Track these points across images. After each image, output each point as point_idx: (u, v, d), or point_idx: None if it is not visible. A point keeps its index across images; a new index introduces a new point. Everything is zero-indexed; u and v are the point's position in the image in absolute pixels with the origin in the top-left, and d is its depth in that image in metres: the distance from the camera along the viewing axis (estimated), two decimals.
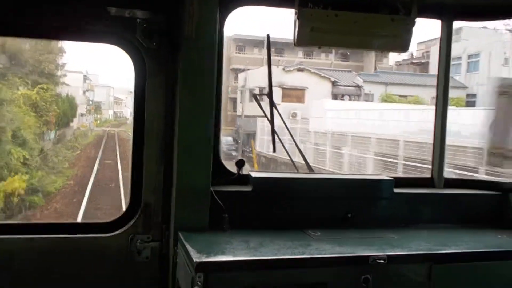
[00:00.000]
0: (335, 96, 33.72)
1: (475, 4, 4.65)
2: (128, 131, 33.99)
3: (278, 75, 31.52)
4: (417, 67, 44.32)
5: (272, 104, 4.35)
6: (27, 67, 21.05)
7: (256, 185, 4.14)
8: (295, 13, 4.10)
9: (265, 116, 4.37)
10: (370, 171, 21.83)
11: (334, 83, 33.73)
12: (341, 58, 44.68)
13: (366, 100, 34.01)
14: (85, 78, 38.53)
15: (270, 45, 4.52)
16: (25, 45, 21.36)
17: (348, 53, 44.51)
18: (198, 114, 3.82)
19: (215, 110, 3.92)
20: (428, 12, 4.56)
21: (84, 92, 38.94)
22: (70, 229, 4.07)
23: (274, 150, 4.56)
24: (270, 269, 3.35)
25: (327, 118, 26.55)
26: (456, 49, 36.85)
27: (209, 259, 3.24)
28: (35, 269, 3.87)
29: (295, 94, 32.40)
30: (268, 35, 4.43)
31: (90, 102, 44.10)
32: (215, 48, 3.82)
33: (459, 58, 37.32)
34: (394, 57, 47.98)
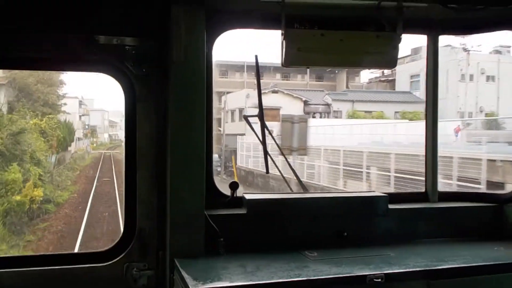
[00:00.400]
0: (307, 114, 37.57)
1: (460, 19, 4.64)
2: (122, 153, 36.59)
3: (255, 97, 35.40)
4: (386, 84, 48.41)
5: (263, 125, 4.35)
6: (34, 99, 24.77)
7: (250, 207, 4.10)
8: (282, 34, 4.08)
9: (257, 137, 4.38)
10: (340, 179, 25.20)
11: (305, 102, 37.67)
12: (315, 78, 48.72)
13: (335, 117, 37.94)
14: (81, 103, 40.59)
15: (258, 66, 4.49)
16: (31, 79, 25.14)
17: (323, 74, 48.69)
18: (189, 137, 3.81)
19: (206, 133, 3.91)
20: (414, 27, 4.56)
21: (80, 117, 40.82)
22: (65, 260, 4.04)
23: (267, 172, 4.51)
24: None
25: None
26: (415, 67, 41.10)
27: (206, 286, 3.20)
28: None
29: (270, 113, 35.97)
30: (256, 56, 4.40)
31: (86, 126, 45.99)
32: (204, 71, 3.84)
33: (417, 75, 41.47)
34: (366, 75, 52.17)
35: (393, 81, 46.49)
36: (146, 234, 3.99)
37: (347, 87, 46.74)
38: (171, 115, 3.82)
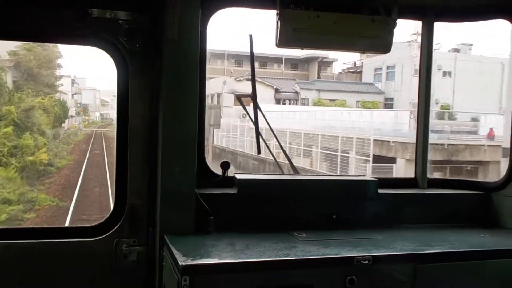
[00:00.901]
0: (277, 101, 42.16)
1: (456, 5, 4.65)
2: (113, 131, 41.03)
3: (231, 84, 39.87)
4: (356, 75, 53.09)
5: (256, 106, 4.34)
6: (36, 80, 29.06)
7: (241, 187, 4.12)
8: (277, 14, 4.07)
9: (249, 117, 4.42)
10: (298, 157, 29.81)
11: (276, 90, 42.29)
12: (290, 68, 53.29)
13: (303, 104, 42.63)
14: (73, 82, 42.46)
15: (252, 47, 4.38)
16: (33, 63, 29.42)
17: (297, 63, 53.17)
18: (182, 115, 3.79)
19: (198, 111, 3.87)
20: (409, 13, 4.60)
21: (72, 96, 42.85)
22: (55, 233, 4.05)
23: (259, 152, 4.50)
24: (255, 271, 3.36)
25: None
26: (377, 61, 45.82)
27: (195, 262, 3.23)
28: (21, 274, 3.87)
29: (245, 99, 40.80)
30: (250, 36, 4.35)
31: (78, 105, 48.47)
32: (198, 49, 3.81)
33: (380, 69, 46.23)
34: (339, 66, 56.56)
35: (361, 72, 51.23)
36: (136, 210, 3.99)
37: (318, 76, 51.36)
38: (164, 93, 3.80)
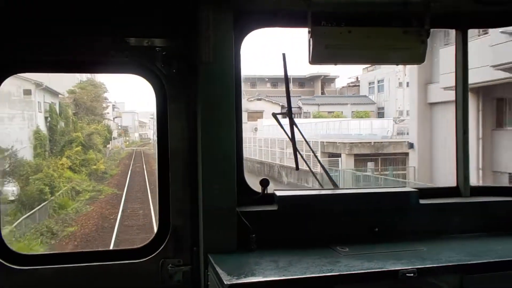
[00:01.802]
0: (283, 115, 50.33)
1: (488, 12, 4.58)
2: (151, 149, 50.26)
3: (244, 104, 48.47)
4: (355, 88, 60.73)
5: (292, 123, 4.42)
6: (90, 111, 38.41)
7: (281, 204, 4.19)
8: (309, 32, 4.10)
9: (286, 134, 4.47)
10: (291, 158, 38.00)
11: (282, 107, 50.56)
12: (298, 85, 61.39)
13: (305, 117, 50.62)
14: (114, 107, 48.84)
15: (286, 65, 4.42)
16: (86, 98, 38.79)
17: (304, 82, 61.29)
18: (219, 135, 3.91)
19: (236, 130, 3.99)
20: (442, 22, 4.57)
21: (114, 119, 49.27)
22: (102, 256, 4.20)
23: (297, 168, 4.50)
24: None
25: (266, 131, 43.09)
26: (371, 75, 53.51)
27: (240, 281, 3.28)
28: None
29: (256, 115, 49.11)
30: (283, 54, 4.41)
31: (119, 127, 57.09)
32: (232, 70, 3.93)
33: (373, 82, 53.93)
34: (343, 81, 63.91)
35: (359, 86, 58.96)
36: (180, 230, 4.10)
37: (322, 92, 59.35)
38: (201, 114, 3.91)
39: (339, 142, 27.31)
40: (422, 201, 4.45)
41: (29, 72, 4.42)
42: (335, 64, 4.38)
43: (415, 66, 22.34)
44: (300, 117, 50.79)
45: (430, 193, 4.70)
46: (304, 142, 5.03)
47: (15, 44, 3.87)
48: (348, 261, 3.69)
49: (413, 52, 4.26)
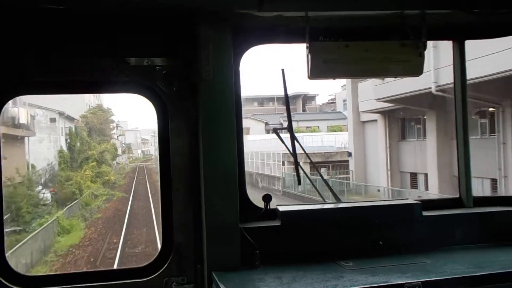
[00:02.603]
0: (267, 131, 57.50)
1: (485, 23, 4.60)
2: (152, 164, 56.97)
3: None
4: (333, 104, 67.92)
5: (293, 137, 4.51)
6: (100, 133, 45.75)
7: (284, 219, 4.21)
8: (307, 47, 4.14)
9: (287, 149, 4.52)
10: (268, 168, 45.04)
11: (266, 124, 57.86)
12: (282, 104, 68.63)
13: (287, 133, 57.89)
14: (117, 125, 52.33)
15: (285, 80, 4.46)
16: (95, 121, 46.10)
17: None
18: (221, 151, 3.93)
19: (237, 146, 4.01)
20: (439, 34, 4.61)
21: (117, 137, 53.17)
22: (106, 276, 4.17)
23: (299, 183, 4.84)
24: None
25: (250, 145, 50.09)
26: (344, 94, 60.68)
27: None
28: None
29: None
30: (282, 70, 4.45)
31: (123, 145, 61.46)
32: (232, 88, 3.97)
33: (345, 100, 61.26)
34: (324, 97, 70.80)
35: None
36: (183, 247, 4.09)
37: (303, 109, 66.65)
38: (203, 131, 3.94)
39: (298, 154, 34.77)
40: (425, 213, 4.41)
41: (31, 94, 4.32)
42: (334, 79, 4.41)
43: (350, 90, 29.59)
44: (281, 133, 58.14)
45: (433, 204, 4.70)
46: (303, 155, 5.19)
47: (16, 66, 3.89)
48: (353, 275, 3.66)
49: (411, 65, 4.26)
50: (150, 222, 22.13)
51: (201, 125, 3.98)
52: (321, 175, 5.44)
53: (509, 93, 18.73)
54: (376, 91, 23.81)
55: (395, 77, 4.69)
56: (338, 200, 4.89)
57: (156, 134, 4.23)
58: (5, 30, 3.80)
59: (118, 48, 4.01)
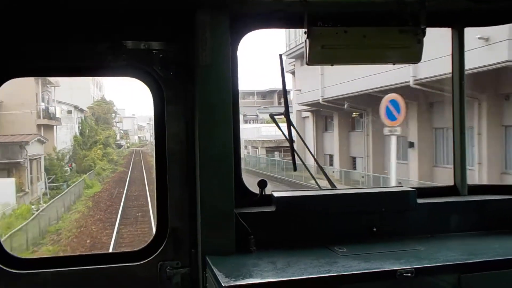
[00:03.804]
0: (245, 121, 67.85)
1: (484, 11, 4.57)
2: (148, 149, 66.88)
3: None
4: None
5: (289, 123, 4.42)
6: (104, 121, 56.08)
7: (279, 205, 4.16)
8: (305, 32, 4.09)
9: (284, 135, 4.46)
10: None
11: (244, 115, 68.30)
12: (261, 97, 78.88)
13: (261, 123, 68.23)
14: (115, 113, 61.92)
15: (283, 66, 4.47)
16: (100, 111, 56.43)
17: (266, 94, 78.75)
18: (217, 137, 3.89)
19: (233, 132, 3.96)
20: (438, 21, 4.54)
21: (116, 124, 62.78)
22: (101, 259, 4.17)
23: (295, 169, 4.53)
24: None
25: None
26: None
27: (237, 283, 3.27)
28: None
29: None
30: (280, 55, 4.50)
31: (121, 131, 71.91)
32: (229, 73, 3.92)
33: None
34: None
35: None
36: (178, 232, 4.07)
37: (279, 103, 76.78)
38: (199, 116, 3.89)
39: (257, 140, 45.28)
40: (419, 201, 4.44)
41: (28, 76, 4.41)
42: (332, 65, 4.37)
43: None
44: (257, 123, 68.54)
45: (427, 192, 4.75)
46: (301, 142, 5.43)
47: (14, 49, 3.91)
48: (346, 261, 3.69)
49: (410, 51, 4.26)
50: (143, 184, 32.83)
51: (198, 111, 3.94)
52: (316, 160, 5.65)
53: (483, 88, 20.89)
54: (296, 98, 34.38)
55: (394, 64, 4.46)
56: (333, 187, 4.82)
57: (152, 120, 4.23)
58: (4, 16, 3.86)
59: (115, 32, 4.01)
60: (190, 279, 4.11)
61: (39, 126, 32.25)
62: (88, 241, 19.64)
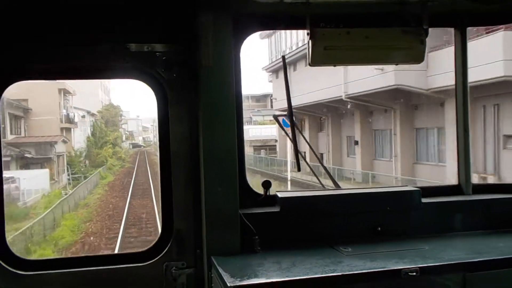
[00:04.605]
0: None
1: (487, 10, 4.57)
2: (152, 149, 72.35)
3: None
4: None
5: (293, 124, 4.43)
6: (112, 123, 62.79)
7: (283, 205, 4.21)
8: (307, 33, 4.13)
9: (287, 135, 4.53)
10: None
11: None
12: (255, 101, 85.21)
13: (254, 124, 74.80)
14: (121, 115, 67.75)
15: (286, 67, 4.59)
16: (108, 114, 63.11)
17: (260, 98, 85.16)
18: (221, 138, 3.91)
19: (237, 132, 3.99)
20: (440, 21, 4.56)
21: (121, 126, 67.73)
22: (106, 260, 4.21)
23: (299, 169, 4.55)
24: None
25: None
26: None
27: (243, 283, 3.29)
28: None
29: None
30: (283, 56, 4.79)
31: (127, 132, 76.43)
32: (232, 74, 3.95)
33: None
34: None
35: None
36: (183, 233, 4.10)
37: (271, 106, 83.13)
38: (203, 117, 3.91)
39: (247, 140, 52.24)
40: (424, 200, 4.45)
41: (30, 79, 4.45)
42: (334, 66, 4.44)
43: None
44: (250, 124, 75.18)
45: (432, 191, 4.73)
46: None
47: (17, 52, 3.88)
48: (351, 261, 3.70)
49: (412, 52, 4.26)
50: (147, 177, 39.67)
51: (201, 112, 3.95)
52: (320, 161, 5.58)
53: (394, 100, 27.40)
54: (274, 104, 41.39)
55: (396, 64, 4.58)
56: (338, 187, 4.89)
57: (156, 122, 4.25)
58: (5, 17, 3.81)
59: (119, 34, 4.02)
60: (195, 279, 4.12)
61: (61, 129, 39.09)
62: (110, 206, 27.69)
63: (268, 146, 49.85)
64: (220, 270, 3.53)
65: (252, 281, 3.36)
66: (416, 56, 4.35)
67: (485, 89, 20.33)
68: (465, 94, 4.79)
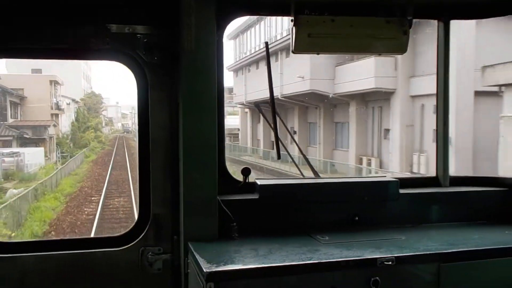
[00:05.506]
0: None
1: (471, 3, 4.60)
2: (130, 134, 78.38)
3: None
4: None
5: (274, 112, 4.39)
6: (94, 110, 69.07)
7: (262, 192, 4.20)
8: (291, 20, 4.11)
9: (268, 123, 4.50)
10: None
11: None
12: (229, 92, 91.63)
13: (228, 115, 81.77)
14: (102, 102, 72.50)
15: (269, 54, 4.49)
16: (90, 101, 69.52)
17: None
18: (201, 124, 3.86)
19: (217, 120, 3.93)
20: (425, 12, 4.56)
21: (101, 112, 72.53)
22: (82, 244, 4.17)
23: (279, 157, 4.55)
24: (279, 276, 3.38)
25: None
26: None
27: (219, 269, 3.27)
28: (50, 284, 3.98)
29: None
30: (266, 43, 4.64)
31: (106, 119, 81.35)
32: (214, 59, 3.88)
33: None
34: None
35: None
36: (161, 219, 4.09)
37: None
38: (183, 103, 3.86)
39: None
40: (402, 191, 4.50)
41: (12, 58, 4.42)
42: (318, 53, 4.44)
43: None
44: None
45: (409, 182, 4.78)
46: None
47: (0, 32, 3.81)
48: (328, 249, 3.72)
49: (395, 42, 4.28)
50: (124, 157, 46.44)
51: (182, 97, 3.89)
52: (300, 150, 5.47)
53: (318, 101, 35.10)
54: (234, 99, 48.66)
55: (379, 54, 4.59)
56: (317, 176, 4.91)
57: (135, 109, 4.22)
58: None
59: (99, 15, 3.93)
60: (171, 265, 4.13)
61: (51, 115, 45.74)
62: (96, 173, 35.96)
63: (232, 135, 57.17)
64: (197, 256, 3.51)
65: (229, 267, 3.38)
66: (398, 47, 4.39)
67: (372, 95, 28.54)
68: (446, 87, 4.81)
